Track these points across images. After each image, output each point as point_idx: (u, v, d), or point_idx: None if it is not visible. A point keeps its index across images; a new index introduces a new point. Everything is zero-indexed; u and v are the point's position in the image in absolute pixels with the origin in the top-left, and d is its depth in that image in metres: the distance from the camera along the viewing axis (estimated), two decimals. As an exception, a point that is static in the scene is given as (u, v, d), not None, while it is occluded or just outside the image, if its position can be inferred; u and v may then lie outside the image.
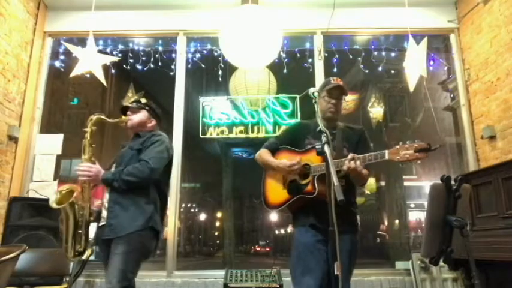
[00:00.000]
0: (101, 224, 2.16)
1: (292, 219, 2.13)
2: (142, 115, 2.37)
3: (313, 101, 1.86)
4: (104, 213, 2.15)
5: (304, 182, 1.96)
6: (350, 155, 1.79)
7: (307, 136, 2.11)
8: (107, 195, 2.17)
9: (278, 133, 2.56)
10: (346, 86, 2.15)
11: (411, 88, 3.85)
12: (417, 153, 1.66)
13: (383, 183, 8.87)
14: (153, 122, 2.41)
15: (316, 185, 1.87)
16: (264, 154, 2.17)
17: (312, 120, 2.21)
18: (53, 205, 2.04)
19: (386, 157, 1.75)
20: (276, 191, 2.10)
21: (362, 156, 1.78)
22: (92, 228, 2.19)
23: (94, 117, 2.24)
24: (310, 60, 4.20)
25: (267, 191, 2.16)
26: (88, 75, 3.91)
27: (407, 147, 1.69)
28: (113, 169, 2.20)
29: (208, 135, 4.07)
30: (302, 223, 2.00)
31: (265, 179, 2.20)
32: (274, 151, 2.18)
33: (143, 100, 2.44)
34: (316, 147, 1.60)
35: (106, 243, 2.07)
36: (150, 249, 2.14)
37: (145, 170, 2.08)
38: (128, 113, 2.37)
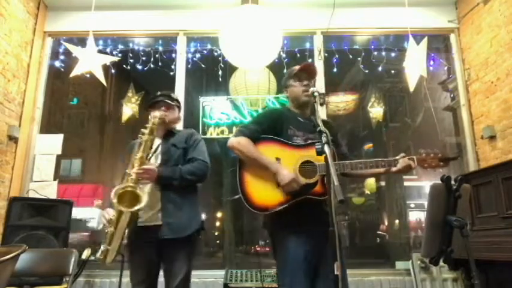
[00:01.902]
0: (145, 223, 2.05)
1: (275, 224, 1.89)
2: (176, 112, 2.37)
3: (313, 100, 1.84)
4: (144, 213, 2.05)
5: (310, 181, 1.79)
6: (402, 155, 1.86)
7: (290, 126, 1.95)
8: (158, 194, 2.08)
9: (255, 118, 2.19)
10: (313, 67, 2.06)
11: (411, 88, 3.85)
12: (441, 163, 1.81)
13: (383, 183, 8.87)
14: (180, 120, 2.45)
15: (327, 186, 1.72)
16: (247, 144, 1.86)
17: (285, 107, 2.16)
18: (115, 204, 1.92)
19: (415, 163, 1.86)
20: (265, 190, 1.82)
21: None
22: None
23: (158, 114, 2.15)
24: (310, 60, 4.19)
25: (251, 190, 1.84)
26: (88, 75, 3.90)
27: (432, 156, 1.82)
28: (153, 162, 2.12)
29: (208, 135, 4.07)
30: (293, 229, 1.81)
31: (243, 174, 1.87)
32: (254, 140, 1.90)
33: (175, 96, 2.42)
34: (317, 147, 1.53)
35: (159, 243, 2.02)
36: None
37: (204, 169, 2.16)
38: (163, 108, 2.27)
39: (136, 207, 1.92)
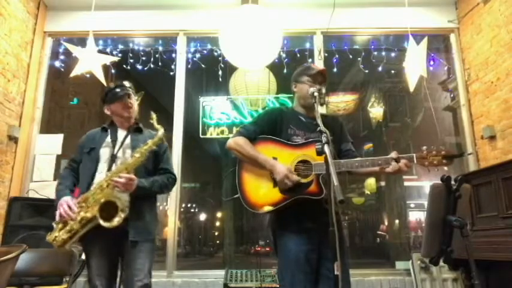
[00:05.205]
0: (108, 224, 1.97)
1: (276, 222, 1.89)
2: (136, 103, 2.27)
3: (313, 101, 1.84)
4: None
5: (305, 180, 1.78)
6: (393, 155, 1.74)
7: (290, 125, 1.94)
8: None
9: (254, 119, 2.16)
10: (326, 74, 2.04)
11: (411, 88, 3.84)
12: (444, 160, 1.69)
13: (383, 183, 8.86)
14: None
15: (322, 185, 1.74)
16: (244, 144, 1.88)
17: (287, 107, 2.13)
18: (98, 217, 1.91)
19: (414, 161, 1.75)
20: (262, 190, 1.83)
21: (397, 156, 1.75)
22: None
23: (161, 134, 2.13)
24: (310, 60, 4.19)
25: (248, 189, 1.86)
26: (88, 75, 3.90)
27: (434, 153, 1.71)
28: (120, 156, 2.10)
29: (208, 135, 4.07)
30: (294, 228, 1.81)
31: (241, 174, 1.90)
32: (252, 140, 1.92)
33: (128, 83, 2.27)
34: (317, 147, 1.50)
35: (120, 241, 2.04)
36: None
37: (174, 184, 2.25)
38: (129, 100, 2.21)
39: (115, 222, 1.90)
